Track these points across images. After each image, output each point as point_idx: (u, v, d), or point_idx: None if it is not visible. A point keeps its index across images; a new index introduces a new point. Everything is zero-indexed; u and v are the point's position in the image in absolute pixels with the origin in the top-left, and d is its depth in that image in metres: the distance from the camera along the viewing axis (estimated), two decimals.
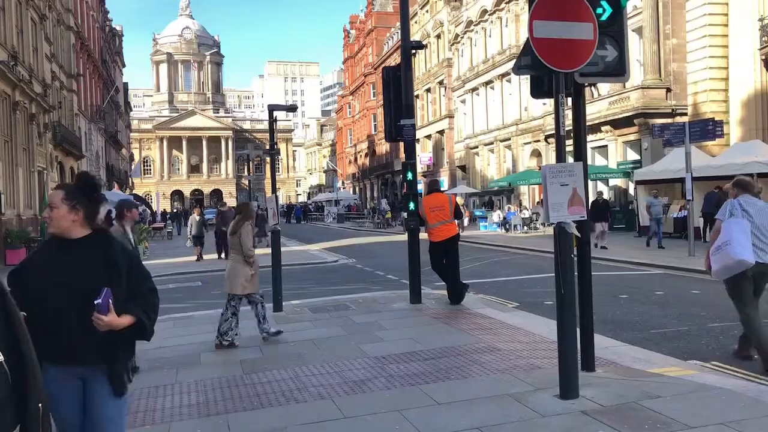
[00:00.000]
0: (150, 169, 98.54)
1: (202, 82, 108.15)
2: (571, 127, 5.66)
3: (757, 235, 6.14)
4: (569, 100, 5.63)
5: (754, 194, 6.43)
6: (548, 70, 5.09)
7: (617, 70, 5.75)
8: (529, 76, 5.83)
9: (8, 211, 25.23)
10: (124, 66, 77.39)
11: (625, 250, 18.36)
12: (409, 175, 10.48)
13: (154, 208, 52.30)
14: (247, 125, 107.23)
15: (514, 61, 6.20)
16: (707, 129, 16.92)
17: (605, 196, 30.26)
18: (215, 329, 9.12)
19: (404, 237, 10.98)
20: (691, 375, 5.86)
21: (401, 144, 11.10)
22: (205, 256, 21.37)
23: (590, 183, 18.96)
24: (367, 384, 5.95)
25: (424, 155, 51.50)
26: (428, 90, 54.03)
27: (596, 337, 5.97)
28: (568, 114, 5.43)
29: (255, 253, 8.15)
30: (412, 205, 10.46)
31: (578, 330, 5.44)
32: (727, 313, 9.06)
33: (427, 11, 54.13)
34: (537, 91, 5.72)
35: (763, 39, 21.48)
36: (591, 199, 19.34)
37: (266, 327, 8.13)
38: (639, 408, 4.83)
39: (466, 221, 27.45)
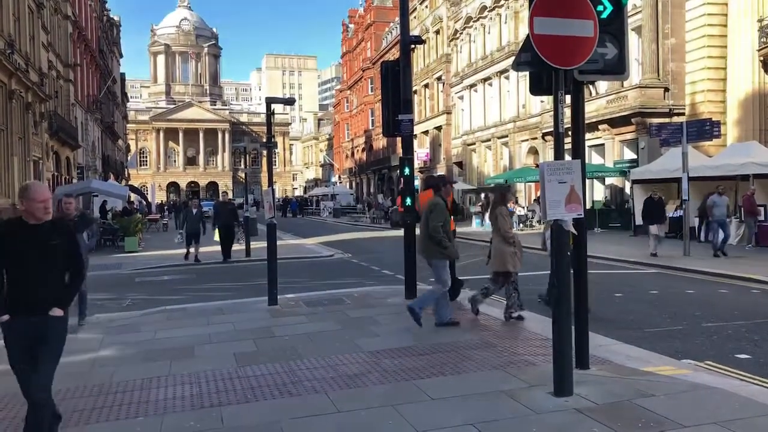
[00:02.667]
0: (146, 161, 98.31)
1: (200, 74, 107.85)
2: (569, 125, 5.65)
3: None
4: (568, 97, 5.61)
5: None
6: (548, 66, 5.07)
7: (617, 68, 5.74)
8: (528, 73, 5.81)
9: (2, 200, 25.15)
10: (121, 56, 77.08)
11: (621, 249, 18.37)
12: (406, 171, 10.46)
13: (150, 200, 52.03)
14: (244, 118, 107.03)
15: (513, 57, 6.18)
16: (704, 129, 16.94)
17: (602, 194, 30.37)
18: (208, 321, 9.13)
19: (400, 233, 10.95)
20: (685, 374, 5.87)
21: (398, 139, 11.08)
22: (202, 250, 18.51)
23: (587, 181, 18.80)
24: (361, 378, 5.95)
25: (421, 151, 51.39)
26: (426, 86, 53.94)
27: (591, 335, 5.97)
28: (567, 112, 5.41)
29: (514, 233, 8.59)
30: (408, 201, 10.43)
31: (573, 328, 5.44)
32: (722, 313, 9.11)
33: (426, 6, 54.01)
34: (536, 88, 5.71)
35: (762, 40, 21.50)
36: (589, 198, 18.85)
37: (513, 310, 8.49)
38: (632, 406, 4.84)
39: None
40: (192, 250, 18.39)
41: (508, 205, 9.55)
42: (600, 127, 28.54)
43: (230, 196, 79.47)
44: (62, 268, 4.42)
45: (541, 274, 13.22)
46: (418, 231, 10.32)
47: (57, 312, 4.32)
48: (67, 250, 4.42)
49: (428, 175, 11.46)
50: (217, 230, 19.21)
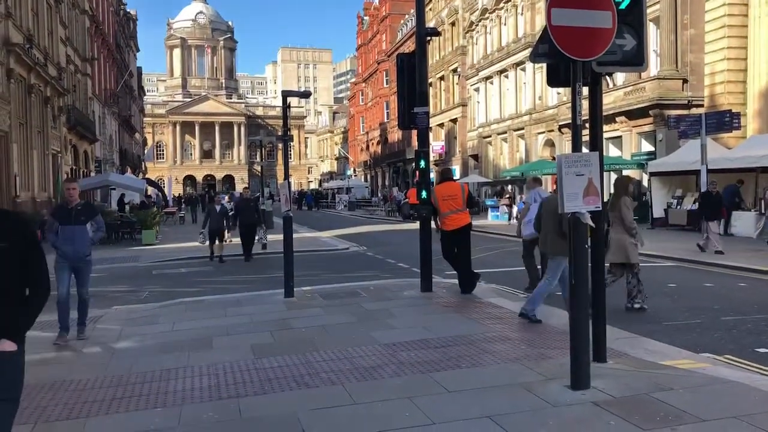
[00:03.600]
0: (163, 154, 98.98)
1: (216, 68, 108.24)
2: (586, 117, 5.60)
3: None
4: (586, 89, 5.57)
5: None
6: (566, 58, 5.03)
7: (635, 60, 5.67)
8: (545, 65, 5.77)
9: (23, 193, 25.44)
10: (138, 50, 77.56)
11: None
12: (422, 163, 10.44)
13: (166, 193, 52.40)
14: (259, 111, 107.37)
15: (529, 49, 6.14)
16: (724, 121, 16.75)
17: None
18: (225, 313, 9.21)
19: (416, 226, 10.96)
20: (704, 368, 5.83)
21: (413, 132, 11.05)
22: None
23: (604, 174, 18.69)
24: (378, 371, 5.96)
25: (436, 144, 51.28)
26: (441, 78, 53.76)
27: (608, 328, 5.94)
28: (584, 104, 5.37)
29: (636, 224, 9.07)
30: (424, 194, 10.42)
31: (590, 321, 5.41)
32: (741, 307, 9.03)
33: None
34: (553, 80, 5.67)
35: None
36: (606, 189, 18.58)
37: (637, 301, 8.91)
38: (650, 400, 4.81)
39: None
40: (216, 249, 17.12)
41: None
42: (617, 119, 28.30)
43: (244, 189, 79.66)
44: (15, 282, 3.20)
45: None
46: (433, 225, 10.33)
47: (4, 346, 3.13)
48: (22, 257, 3.22)
49: (444, 168, 11.51)
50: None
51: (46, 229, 8.27)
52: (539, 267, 10.38)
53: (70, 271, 7.86)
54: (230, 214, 17.87)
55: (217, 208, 17.32)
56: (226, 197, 19.19)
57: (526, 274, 11.09)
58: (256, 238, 17.96)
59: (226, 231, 17.21)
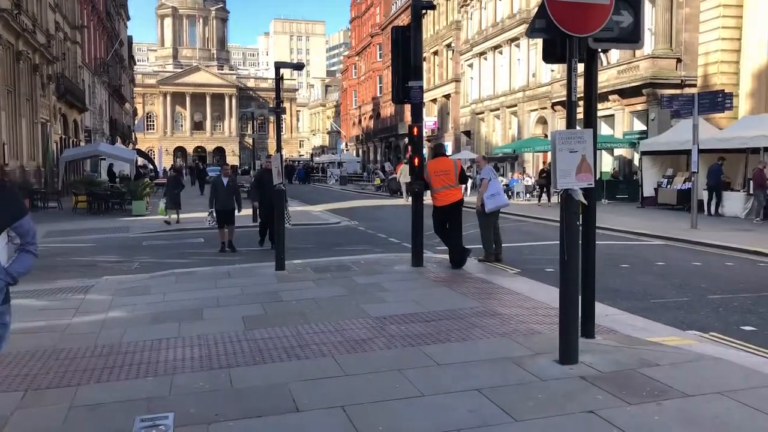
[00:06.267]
0: (153, 125, 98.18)
1: (207, 38, 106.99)
2: (581, 94, 5.59)
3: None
4: (581, 66, 5.55)
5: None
6: (562, 33, 5.01)
7: (632, 37, 5.66)
8: (541, 40, 5.73)
9: (11, 162, 25.23)
10: (128, 19, 76.48)
11: (628, 220, 18.33)
12: (415, 138, 10.42)
13: (156, 165, 52.00)
14: (251, 83, 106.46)
15: (524, 25, 6.10)
16: (716, 101, 16.73)
17: (611, 165, 30.21)
18: (216, 285, 9.23)
19: (407, 201, 11.01)
20: (690, 345, 5.91)
21: (406, 107, 11.03)
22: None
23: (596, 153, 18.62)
24: (368, 343, 6.01)
25: (429, 119, 51.05)
26: (435, 53, 53.38)
27: (597, 305, 5.99)
28: (579, 81, 5.35)
29: None
30: (417, 169, 10.40)
31: (579, 297, 5.46)
32: (728, 286, 9.13)
33: None
34: (549, 56, 5.63)
35: None
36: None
37: None
38: (637, 375, 4.88)
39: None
40: (226, 235, 13.68)
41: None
42: (610, 97, 28.28)
43: (237, 162, 78.59)
44: None
45: (547, 244, 13.28)
46: (428, 199, 10.35)
47: None
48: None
49: (437, 143, 11.52)
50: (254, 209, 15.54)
51: None
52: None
53: None
54: (247, 188, 14.76)
55: (224, 181, 13.87)
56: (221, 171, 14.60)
57: (516, 250, 11.17)
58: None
59: (236, 210, 13.95)
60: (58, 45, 34.84)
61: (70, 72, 38.57)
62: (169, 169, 28.22)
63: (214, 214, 13.79)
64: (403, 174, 32.48)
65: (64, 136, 37.64)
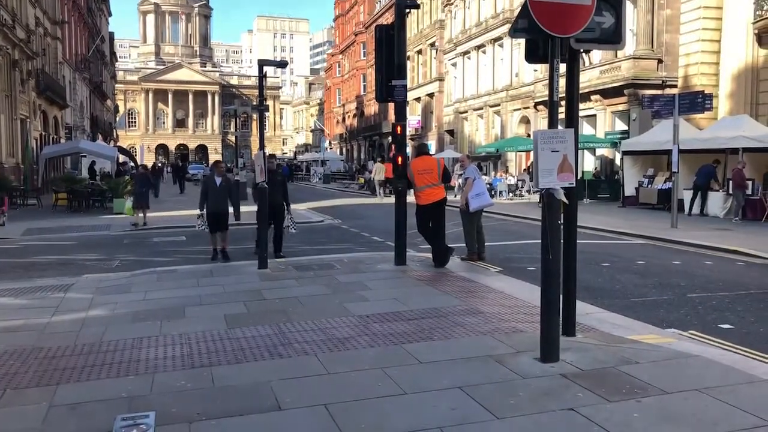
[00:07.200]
0: (135, 122, 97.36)
1: (190, 35, 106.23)
2: (563, 94, 5.64)
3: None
4: (563, 66, 5.59)
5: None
6: (545, 34, 5.04)
7: (614, 38, 5.71)
8: (523, 41, 5.76)
9: None
10: (110, 15, 75.70)
11: (610, 219, 18.49)
12: (399, 137, 10.43)
13: (138, 162, 51.48)
14: (234, 81, 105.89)
15: (507, 25, 6.13)
16: (696, 101, 16.92)
17: (592, 165, 30.44)
18: (198, 283, 9.20)
19: (391, 200, 11.01)
20: (669, 343, 5.98)
21: (390, 105, 11.02)
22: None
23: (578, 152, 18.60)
24: (351, 342, 6.01)
25: (412, 118, 51.13)
26: (419, 52, 53.42)
27: (578, 303, 6.05)
28: (561, 81, 5.39)
29: None
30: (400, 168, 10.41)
31: (561, 295, 5.50)
32: (707, 284, 9.24)
33: None
34: (532, 56, 5.66)
35: (757, 13, 21.38)
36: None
37: None
38: (617, 373, 4.93)
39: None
40: (218, 240, 12.08)
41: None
42: (592, 97, 28.49)
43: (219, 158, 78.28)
44: None
45: (529, 242, 13.36)
46: (411, 198, 10.37)
47: None
48: None
49: (420, 142, 11.53)
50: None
51: None
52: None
53: None
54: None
55: (218, 180, 12.03)
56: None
57: (499, 249, 11.23)
58: (284, 225, 12.28)
59: (236, 218, 12.65)
60: (38, 40, 34.41)
61: (50, 68, 38.11)
62: (140, 166, 27.26)
63: (204, 218, 11.85)
64: (377, 172, 32.53)
65: (44, 133, 37.18)
